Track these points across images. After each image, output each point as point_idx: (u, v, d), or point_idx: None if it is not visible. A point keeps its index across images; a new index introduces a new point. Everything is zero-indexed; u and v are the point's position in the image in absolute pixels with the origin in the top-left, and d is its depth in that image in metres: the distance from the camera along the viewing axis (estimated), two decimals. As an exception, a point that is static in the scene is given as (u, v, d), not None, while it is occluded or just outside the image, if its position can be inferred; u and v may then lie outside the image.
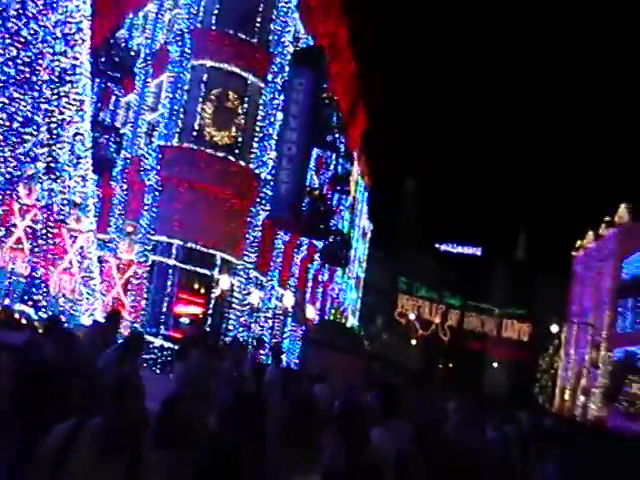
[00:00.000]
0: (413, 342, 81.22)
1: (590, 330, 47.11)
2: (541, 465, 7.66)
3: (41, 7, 15.25)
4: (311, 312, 30.26)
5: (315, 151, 25.67)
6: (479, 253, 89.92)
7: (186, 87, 21.56)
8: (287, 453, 3.96)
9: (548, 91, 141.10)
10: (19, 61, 14.87)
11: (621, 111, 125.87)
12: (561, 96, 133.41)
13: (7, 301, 15.17)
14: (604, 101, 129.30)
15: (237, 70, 21.39)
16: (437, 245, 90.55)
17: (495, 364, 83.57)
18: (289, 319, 27.23)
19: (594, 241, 50.81)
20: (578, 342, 51.74)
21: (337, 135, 26.01)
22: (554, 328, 54.91)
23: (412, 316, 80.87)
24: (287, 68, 22.65)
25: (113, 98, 25.54)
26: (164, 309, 20.75)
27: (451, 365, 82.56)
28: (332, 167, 28.25)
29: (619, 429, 34.56)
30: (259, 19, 21.94)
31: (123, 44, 25.02)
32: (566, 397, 52.27)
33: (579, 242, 55.22)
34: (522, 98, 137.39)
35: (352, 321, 56.69)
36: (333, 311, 43.90)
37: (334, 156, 27.73)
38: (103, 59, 23.76)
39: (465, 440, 5.77)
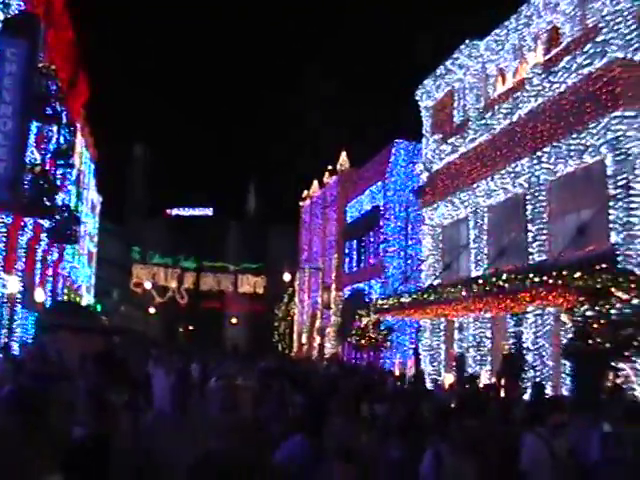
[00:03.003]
0: (152, 310, 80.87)
1: (320, 274, 49.88)
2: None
3: None
4: (41, 295, 28.90)
5: (34, 125, 24.26)
6: (211, 213, 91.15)
7: None
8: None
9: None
10: None
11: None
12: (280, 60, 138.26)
13: None
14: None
15: (-61, 45, 19.34)
16: (168, 210, 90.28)
17: (234, 319, 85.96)
18: (18, 306, 25.60)
19: (319, 189, 52.93)
20: (310, 287, 54.14)
21: (57, 106, 24.76)
22: (287, 277, 57.51)
23: (148, 285, 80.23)
24: (-2, 38, 20.83)
25: None
26: None
27: (192, 327, 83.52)
28: (54, 140, 26.88)
29: (350, 360, 37.72)
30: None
31: None
32: (303, 340, 54.71)
33: (305, 192, 56.91)
34: (242, 57, 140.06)
35: (88, 298, 55.04)
36: (66, 291, 42.27)
37: (55, 129, 26.31)
38: None
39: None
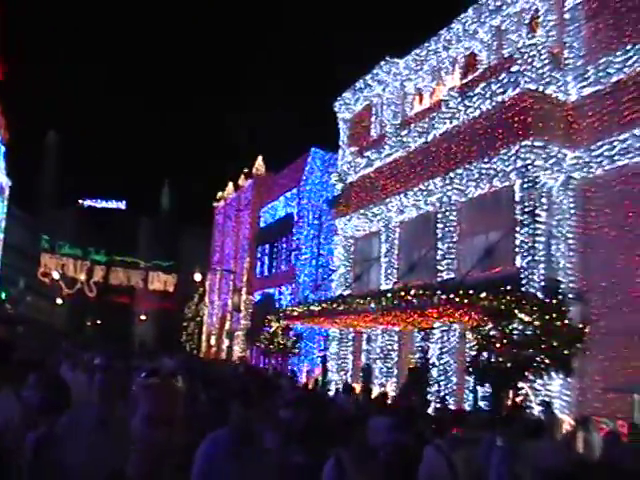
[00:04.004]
0: (59, 301, 78.82)
1: (231, 276, 49.59)
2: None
3: None
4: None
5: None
6: (123, 207, 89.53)
7: None
8: None
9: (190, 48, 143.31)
10: None
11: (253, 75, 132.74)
12: (201, 53, 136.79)
13: None
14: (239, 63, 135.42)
15: None
16: (80, 201, 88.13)
17: (143, 316, 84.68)
18: None
19: (234, 192, 52.60)
20: (221, 289, 53.82)
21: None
22: (198, 277, 56.94)
23: (56, 275, 78.11)
24: None
25: None
26: None
27: (99, 321, 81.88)
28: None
29: (258, 365, 37.73)
30: None
31: None
32: (212, 342, 54.27)
33: (220, 193, 56.47)
34: (165, 51, 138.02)
35: (-11, 287, 53.30)
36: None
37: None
38: None
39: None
